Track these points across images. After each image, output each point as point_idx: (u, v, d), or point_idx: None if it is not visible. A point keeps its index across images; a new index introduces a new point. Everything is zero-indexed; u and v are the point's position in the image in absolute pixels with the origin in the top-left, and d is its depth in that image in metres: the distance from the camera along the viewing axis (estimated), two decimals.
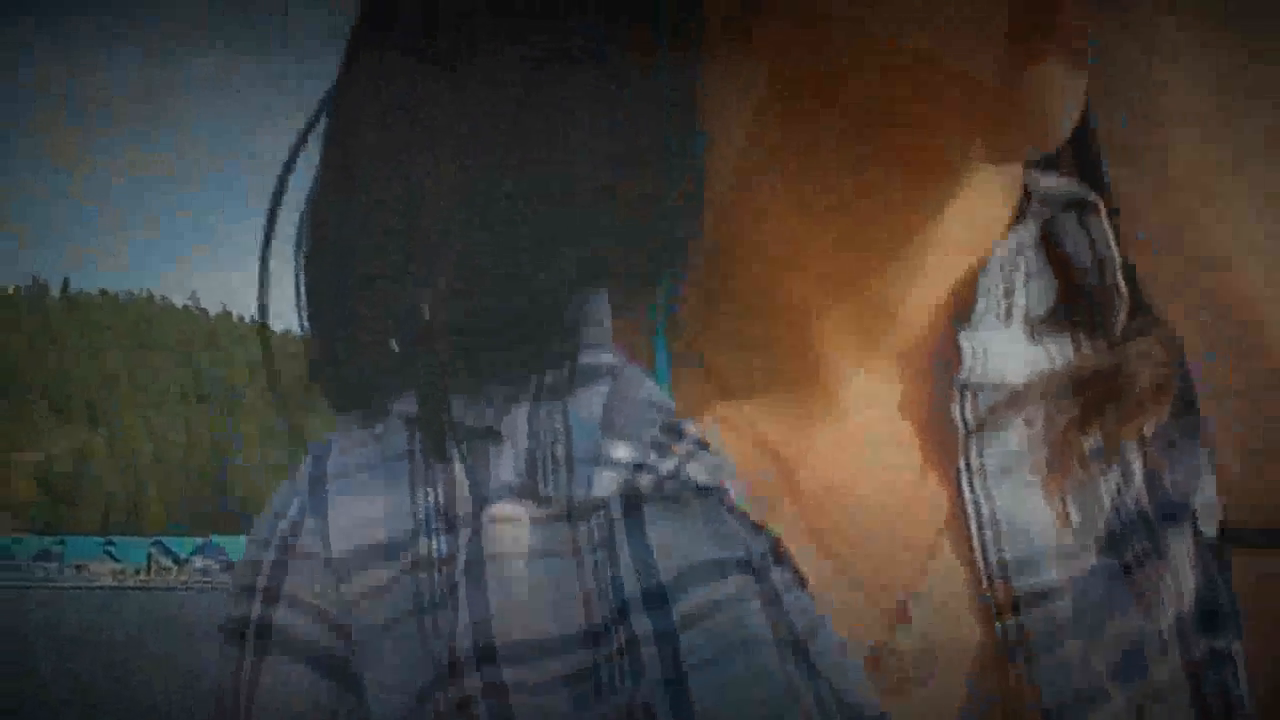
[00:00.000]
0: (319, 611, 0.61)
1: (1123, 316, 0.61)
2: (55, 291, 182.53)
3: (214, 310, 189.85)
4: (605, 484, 0.59)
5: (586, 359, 0.61)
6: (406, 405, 0.63)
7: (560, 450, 0.60)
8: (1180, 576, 0.57)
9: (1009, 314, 0.61)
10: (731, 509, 0.57)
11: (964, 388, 0.59)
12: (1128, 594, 0.57)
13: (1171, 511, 0.59)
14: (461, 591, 0.59)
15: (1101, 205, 0.62)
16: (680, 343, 0.63)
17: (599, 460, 0.59)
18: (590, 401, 0.60)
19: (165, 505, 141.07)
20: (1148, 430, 0.60)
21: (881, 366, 0.61)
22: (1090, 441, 0.59)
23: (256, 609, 0.62)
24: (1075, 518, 0.58)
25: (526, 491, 0.60)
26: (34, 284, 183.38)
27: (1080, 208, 0.62)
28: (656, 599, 0.57)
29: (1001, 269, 0.61)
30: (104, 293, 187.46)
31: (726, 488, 0.57)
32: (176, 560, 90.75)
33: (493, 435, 0.61)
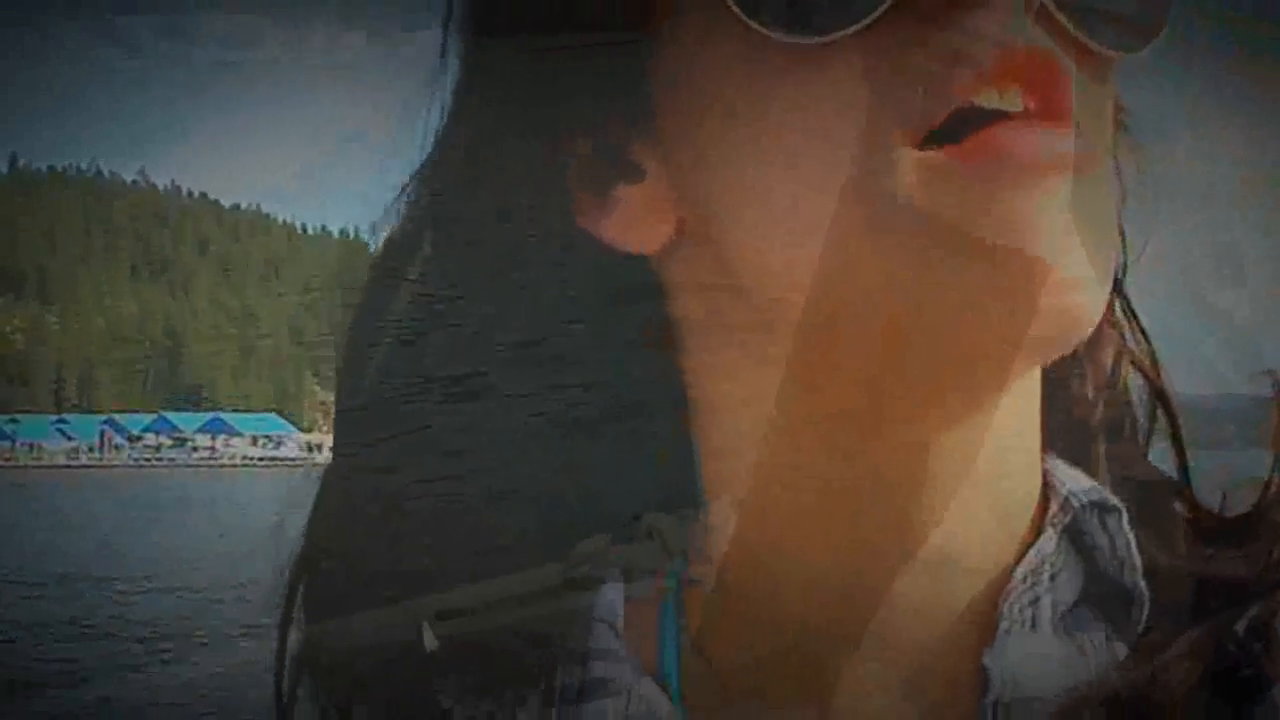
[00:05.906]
0: None
1: (1144, 618, 0.61)
2: (3, 168, 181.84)
3: (163, 185, 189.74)
4: None
5: (598, 671, 0.61)
6: None
7: None
8: None
9: (1034, 621, 0.61)
10: None
11: (994, 705, 0.59)
12: None
13: None
14: None
15: (1123, 509, 0.62)
16: (688, 633, 0.62)
17: None
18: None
19: (118, 383, 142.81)
20: None
21: (892, 687, 0.61)
22: None
23: None
24: None
25: None
26: None
27: (1102, 509, 0.63)
28: None
29: (1025, 580, 0.61)
30: (52, 169, 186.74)
31: None
32: (129, 437, 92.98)
33: None
